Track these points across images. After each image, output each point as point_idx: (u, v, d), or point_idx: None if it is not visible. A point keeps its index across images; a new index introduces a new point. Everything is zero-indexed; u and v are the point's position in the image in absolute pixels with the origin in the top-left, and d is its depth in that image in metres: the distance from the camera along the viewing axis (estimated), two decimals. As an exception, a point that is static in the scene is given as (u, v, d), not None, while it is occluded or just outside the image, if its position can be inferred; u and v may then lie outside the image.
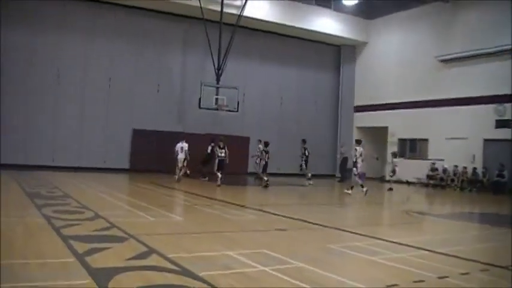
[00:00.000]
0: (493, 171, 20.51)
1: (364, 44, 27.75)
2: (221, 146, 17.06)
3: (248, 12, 22.57)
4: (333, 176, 25.62)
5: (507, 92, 20.10)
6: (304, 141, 20.09)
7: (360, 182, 16.08)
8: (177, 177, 17.58)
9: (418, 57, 24.44)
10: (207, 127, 22.60)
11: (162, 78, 23.22)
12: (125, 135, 22.11)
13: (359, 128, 27.83)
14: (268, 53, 26.01)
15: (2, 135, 18.93)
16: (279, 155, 23.20)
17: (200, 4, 21.15)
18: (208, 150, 19.18)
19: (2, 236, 6.18)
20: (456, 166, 21.96)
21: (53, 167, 19.94)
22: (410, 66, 24.76)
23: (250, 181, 21.19)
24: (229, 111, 21.36)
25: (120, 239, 6.57)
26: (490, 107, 20.92)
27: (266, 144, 18.00)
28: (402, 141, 25.55)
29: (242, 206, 11.91)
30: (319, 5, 25.94)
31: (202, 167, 19.21)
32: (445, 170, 22.50)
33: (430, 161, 23.31)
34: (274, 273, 5.19)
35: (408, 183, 23.05)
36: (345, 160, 23.66)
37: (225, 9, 21.78)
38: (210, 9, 21.74)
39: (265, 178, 17.36)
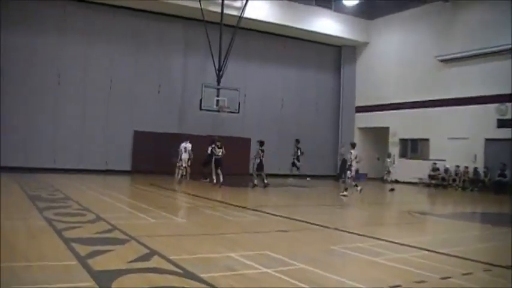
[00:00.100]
0: (494, 171, 20.50)
1: (365, 44, 27.74)
2: (219, 146, 17.58)
3: (248, 13, 22.60)
4: (334, 176, 25.60)
5: (508, 91, 20.10)
6: (297, 141, 20.54)
7: (353, 183, 16.23)
8: (179, 175, 17.87)
9: (418, 57, 24.44)
10: (208, 128, 22.60)
11: (163, 80, 23.23)
12: (126, 136, 22.11)
13: (360, 128, 27.83)
14: (269, 54, 26.01)
15: (2, 136, 18.95)
16: (280, 156, 23.20)
17: (201, 6, 21.19)
18: (209, 151, 19.19)
19: (4, 239, 6.19)
20: (458, 166, 21.96)
21: (54, 169, 19.95)
22: (411, 66, 24.76)
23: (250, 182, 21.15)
24: (231, 112, 21.38)
25: (121, 241, 6.57)
26: (491, 106, 20.93)
27: (261, 143, 18.09)
28: (403, 142, 25.56)
29: (243, 207, 11.90)
30: (319, 5, 25.94)
31: (203, 168, 19.24)
32: (446, 170, 22.49)
33: (432, 161, 23.31)
34: (276, 274, 5.19)
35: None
36: (345, 161, 23.66)
37: (226, 11, 21.80)
38: (210, 11, 21.76)
39: (255, 181, 17.60)
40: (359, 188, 15.94)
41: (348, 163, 16.69)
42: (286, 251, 6.46)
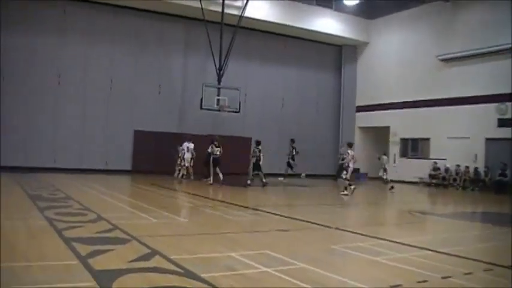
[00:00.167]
0: (495, 170, 20.49)
1: (365, 44, 27.74)
2: (217, 145, 17.68)
3: (249, 12, 22.59)
4: (334, 176, 25.57)
5: (508, 91, 20.10)
6: (292, 140, 20.85)
7: (346, 182, 16.26)
8: (180, 175, 17.94)
9: (419, 56, 24.45)
10: (208, 128, 22.59)
11: (163, 79, 23.23)
12: (126, 136, 22.11)
13: (361, 128, 27.84)
14: (269, 53, 26.00)
15: (2, 136, 18.95)
16: (280, 156, 23.15)
17: (201, 5, 21.18)
18: (209, 151, 19.20)
19: (4, 239, 6.19)
20: (458, 165, 21.96)
21: (54, 168, 19.96)
22: (411, 65, 24.76)
23: (251, 182, 21.15)
24: (231, 111, 21.38)
25: (122, 241, 6.57)
26: (491, 106, 20.93)
27: (258, 143, 18.12)
28: (404, 141, 25.56)
29: (244, 207, 11.90)
30: (319, 5, 25.94)
31: (204, 167, 19.23)
32: (447, 170, 22.50)
33: (432, 161, 23.31)
34: (277, 274, 5.18)
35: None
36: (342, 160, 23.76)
37: (226, 10, 21.78)
38: (211, 10, 21.76)
39: (248, 181, 17.65)
40: (352, 187, 16.08)
41: (345, 164, 16.67)
42: (286, 250, 6.46)
